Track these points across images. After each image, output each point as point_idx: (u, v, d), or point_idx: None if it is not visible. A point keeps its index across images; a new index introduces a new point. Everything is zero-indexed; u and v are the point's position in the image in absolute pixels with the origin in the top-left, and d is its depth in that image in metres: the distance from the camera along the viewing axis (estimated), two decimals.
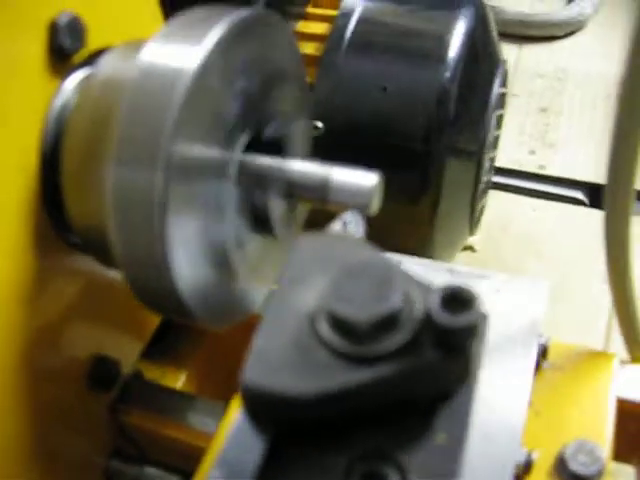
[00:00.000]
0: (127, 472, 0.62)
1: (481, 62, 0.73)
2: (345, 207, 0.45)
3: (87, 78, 0.47)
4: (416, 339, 0.31)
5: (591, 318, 0.83)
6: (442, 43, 0.69)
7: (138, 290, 0.44)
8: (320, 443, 0.33)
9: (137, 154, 0.39)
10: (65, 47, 0.46)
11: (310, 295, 0.34)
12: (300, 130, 0.52)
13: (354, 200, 0.44)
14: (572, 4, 1.29)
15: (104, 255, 0.46)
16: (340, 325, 0.31)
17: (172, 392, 0.64)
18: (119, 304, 0.57)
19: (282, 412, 0.32)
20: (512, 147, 1.09)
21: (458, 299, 0.30)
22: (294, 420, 0.32)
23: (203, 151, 0.42)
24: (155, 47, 0.41)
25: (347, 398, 0.31)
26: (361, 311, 0.30)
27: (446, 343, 0.31)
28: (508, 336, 0.48)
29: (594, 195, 0.99)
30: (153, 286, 0.42)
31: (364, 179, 0.44)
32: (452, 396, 0.34)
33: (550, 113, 1.12)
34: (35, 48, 0.45)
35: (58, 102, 0.47)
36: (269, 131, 0.48)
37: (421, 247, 0.73)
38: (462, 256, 0.94)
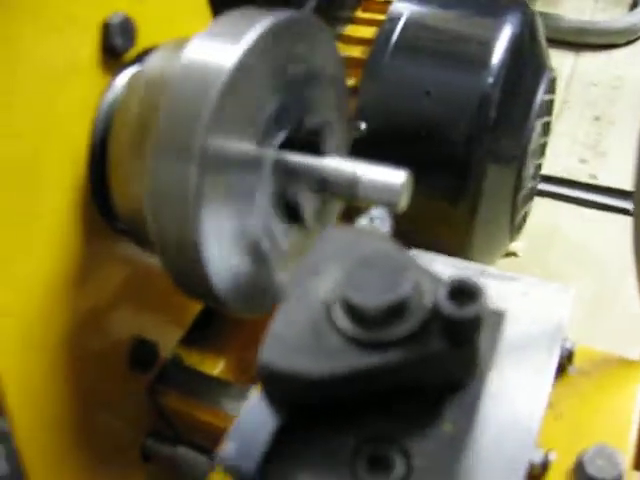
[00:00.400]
0: (162, 451, 0.65)
1: (525, 68, 0.73)
2: (374, 203, 0.47)
3: (135, 75, 0.50)
4: (424, 328, 0.32)
5: (634, 331, 0.82)
6: (486, 49, 0.70)
7: (173, 275, 0.46)
8: (330, 425, 0.35)
9: (174, 146, 0.41)
10: (117, 46, 0.49)
11: (328, 283, 0.35)
12: (337, 130, 0.53)
13: (382, 197, 0.45)
14: (634, 12, 1.27)
15: (145, 241, 0.49)
16: (352, 311, 0.33)
17: (209, 378, 0.66)
18: (160, 290, 0.60)
19: (295, 391, 0.34)
20: (563, 156, 1.08)
21: (465, 291, 0.32)
22: (306, 400, 0.34)
23: (239, 146, 0.44)
24: (197, 45, 0.44)
25: (357, 381, 0.33)
26: (372, 298, 0.32)
27: (452, 333, 0.32)
28: (531, 337, 0.48)
29: None
30: (186, 272, 0.45)
31: (393, 176, 0.46)
32: (462, 388, 0.36)
33: (603, 122, 1.11)
34: (89, 47, 0.48)
35: (109, 97, 0.50)
36: (305, 129, 0.50)
37: (459, 251, 0.74)
38: (505, 262, 0.94)
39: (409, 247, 0.53)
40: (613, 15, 1.30)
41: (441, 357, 0.32)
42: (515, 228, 0.80)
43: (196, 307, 0.67)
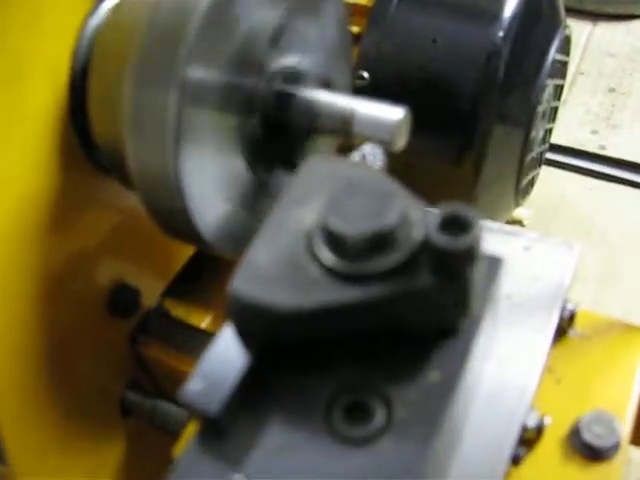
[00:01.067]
0: (142, 404, 0.62)
1: (539, 24, 0.70)
2: (370, 140, 0.44)
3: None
4: (412, 261, 0.29)
5: (638, 301, 0.79)
6: (497, 1, 0.66)
7: (152, 211, 0.43)
8: (306, 368, 0.32)
9: (153, 73, 0.38)
10: None
11: (311, 212, 0.32)
12: (338, 68, 0.50)
13: (378, 133, 0.42)
14: None
15: (127, 178, 0.46)
16: (333, 240, 0.30)
17: (192, 329, 0.64)
18: (144, 235, 0.57)
19: (268, 327, 0.31)
20: (575, 126, 1.04)
21: (457, 222, 0.29)
22: (280, 337, 0.31)
23: (226, 76, 0.41)
24: None
25: (335, 317, 0.30)
26: (354, 226, 0.29)
27: (443, 267, 0.29)
28: (531, 295, 0.46)
29: None
30: (166, 207, 0.42)
31: (389, 112, 0.42)
32: (452, 334, 0.33)
33: (618, 94, 1.07)
34: None
35: (93, 22, 0.47)
36: (302, 65, 0.47)
37: None
38: None
39: None
40: None
41: (430, 293, 0.30)
42: (521, 192, 0.77)
43: (182, 257, 0.64)
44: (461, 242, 0.28)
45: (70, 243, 0.52)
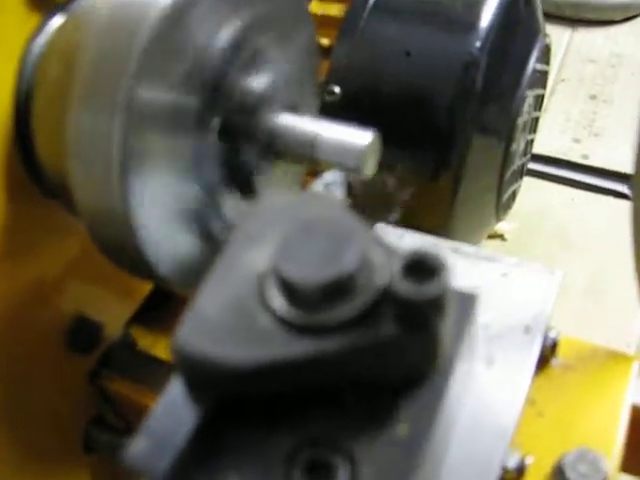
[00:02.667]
0: (106, 440, 0.59)
1: (517, 34, 0.67)
2: (336, 167, 0.41)
3: (66, 17, 0.44)
4: (373, 310, 0.27)
5: (624, 317, 0.77)
6: (474, 9, 0.63)
7: (101, 246, 0.40)
8: (263, 422, 0.29)
9: (96, 97, 0.35)
10: None
11: (264, 255, 0.29)
12: (302, 91, 0.47)
13: (344, 160, 0.39)
14: None
15: (73, 206, 0.43)
16: (286, 288, 0.27)
17: (159, 363, 0.61)
18: (104, 264, 0.54)
19: (216, 381, 0.28)
20: (556, 134, 1.02)
21: (423, 267, 0.26)
22: (231, 392, 0.28)
23: (176, 98, 0.38)
24: None
25: (289, 373, 0.27)
26: (309, 273, 0.26)
27: (408, 317, 0.26)
28: (510, 326, 0.43)
29: None
30: (115, 242, 0.39)
31: (356, 137, 0.40)
32: (421, 383, 0.30)
33: (599, 101, 1.05)
34: None
35: (39, 42, 0.44)
36: (262, 86, 0.44)
37: (441, 227, 0.68)
38: (490, 244, 0.88)
39: (378, 221, 0.47)
40: None
41: (394, 345, 0.27)
42: (502, 207, 0.75)
43: (146, 285, 0.61)
44: (426, 290, 0.25)
45: (21, 275, 0.49)
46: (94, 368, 0.57)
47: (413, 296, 0.25)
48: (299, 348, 0.26)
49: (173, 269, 0.41)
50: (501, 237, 0.88)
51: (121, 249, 0.39)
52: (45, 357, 0.53)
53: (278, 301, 0.27)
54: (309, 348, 0.26)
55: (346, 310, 0.26)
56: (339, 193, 0.35)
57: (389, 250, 0.28)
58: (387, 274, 0.27)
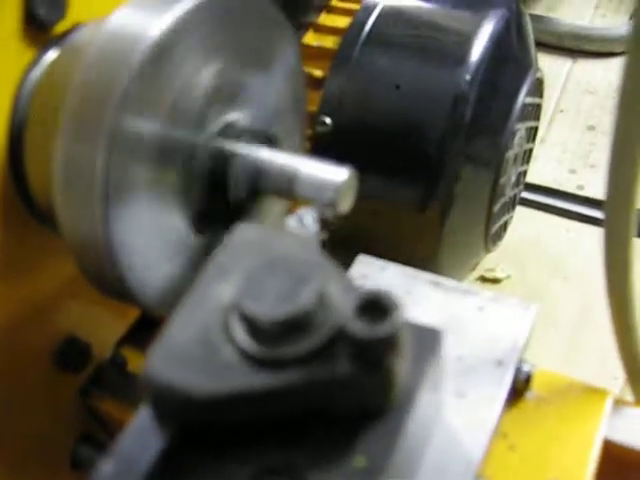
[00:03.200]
0: (94, 458, 0.60)
1: (507, 68, 0.69)
2: (313, 202, 0.42)
3: (59, 50, 0.46)
4: (329, 347, 0.28)
5: (615, 350, 0.77)
6: (464, 44, 0.65)
7: (83, 270, 0.42)
8: (225, 451, 0.30)
9: (82, 128, 0.37)
10: (41, 17, 0.44)
11: (230, 288, 0.31)
12: (286, 124, 0.49)
13: (320, 195, 0.41)
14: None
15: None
16: (247, 322, 0.28)
17: None
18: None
19: (181, 409, 0.29)
20: (552, 164, 1.03)
21: (377, 307, 0.27)
22: (195, 420, 0.30)
23: (160, 131, 0.40)
24: (120, 15, 0.39)
25: (250, 403, 0.28)
26: (267, 309, 0.27)
27: (362, 356, 0.27)
28: (483, 358, 0.44)
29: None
30: (97, 268, 0.40)
31: (332, 174, 0.41)
32: (380, 416, 0.31)
33: (597, 132, 1.06)
34: (8, 15, 0.44)
35: (34, 75, 0.46)
36: (244, 121, 0.45)
37: (430, 257, 0.70)
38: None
39: (363, 253, 0.49)
40: (612, 22, 1.25)
41: (348, 382, 0.28)
42: (491, 237, 0.76)
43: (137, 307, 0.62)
44: (380, 330, 0.27)
45: (15, 297, 0.50)
46: (85, 387, 0.58)
47: (366, 336, 0.27)
48: (258, 380, 0.28)
49: (157, 297, 0.42)
50: (497, 281, 0.90)
51: (104, 277, 0.41)
52: (35, 375, 0.54)
53: (241, 335, 0.29)
54: (268, 381, 0.28)
55: (303, 346, 0.28)
56: (313, 228, 0.37)
57: (349, 288, 0.29)
58: (344, 313, 0.28)
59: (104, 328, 0.59)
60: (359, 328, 0.26)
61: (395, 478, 0.31)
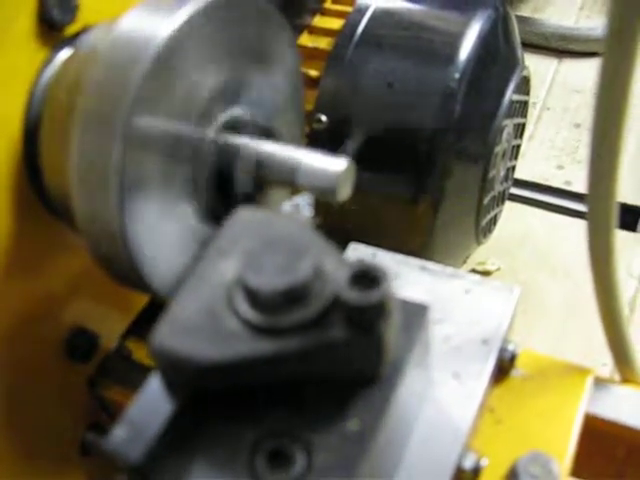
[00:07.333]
0: (102, 444, 0.62)
1: (494, 66, 0.72)
2: (313, 192, 0.45)
3: (73, 50, 0.48)
4: (325, 315, 0.31)
5: (602, 339, 0.80)
6: (453, 43, 0.68)
7: (99, 260, 0.44)
8: (230, 415, 0.33)
9: (98, 123, 0.40)
10: (54, 18, 0.47)
11: (232, 266, 0.33)
12: (286, 120, 0.52)
13: (320, 184, 0.44)
14: None
15: (74, 223, 0.47)
16: (249, 295, 0.31)
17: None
18: (102, 278, 0.58)
19: (188, 376, 0.32)
20: (540, 161, 1.06)
21: (367, 276, 0.30)
22: (202, 386, 0.32)
23: (170, 126, 0.42)
24: (129, 18, 0.42)
25: (252, 369, 0.31)
26: (268, 281, 0.30)
27: (355, 321, 0.30)
28: (469, 338, 0.47)
29: (621, 216, 0.96)
30: (111, 256, 0.43)
31: (332, 164, 0.44)
32: (372, 383, 0.34)
33: (584, 129, 1.09)
34: (24, 17, 0.46)
35: (48, 73, 0.49)
36: (248, 117, 0.48)
37: (422, 249, 0.72)
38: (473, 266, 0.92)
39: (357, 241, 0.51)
40: (597, 23, 1.28)
41: (342, 346, 0.31)
42: (481, 231, 0.78)
43: (142, 297, 0.65)
44: (371, 296, 0.29)
45: (27, 289, 0.52)
46: (93, 377, 0.61)
47: (359, 302, 0.29)
48: (260, 347, 0.31)
49: (168, 284, 0.45)
50: (488, 273, 0.93)
51: (118, 265, 0.43)
52: (45, 365, 0.56)
53: (243, 306, 0.31)
54: (269, 347, 0.30)
55: (302, 314, 0.30)
56: (306, 213, 0.39)
57: (342, 262, 0.32)
58: (338, 283, 0.31)
59: (111, 320, 0.62)
60: (352, 296, 0.29)
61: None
